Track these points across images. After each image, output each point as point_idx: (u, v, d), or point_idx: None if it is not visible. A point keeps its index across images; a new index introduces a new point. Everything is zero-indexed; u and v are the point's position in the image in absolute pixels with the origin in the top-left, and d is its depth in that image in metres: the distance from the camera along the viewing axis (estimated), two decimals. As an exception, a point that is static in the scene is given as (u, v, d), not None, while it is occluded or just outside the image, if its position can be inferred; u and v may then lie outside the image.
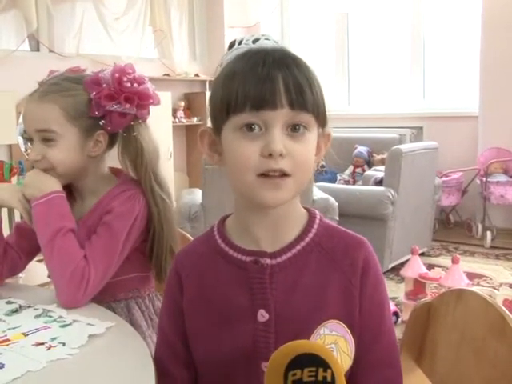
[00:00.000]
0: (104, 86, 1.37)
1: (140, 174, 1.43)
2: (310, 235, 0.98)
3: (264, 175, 0.89)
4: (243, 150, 0.90)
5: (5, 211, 1.66)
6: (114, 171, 1.50)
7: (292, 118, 0.89)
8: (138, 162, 1.42)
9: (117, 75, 1.37)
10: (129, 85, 1.37)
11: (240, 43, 0.97)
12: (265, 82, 0.88)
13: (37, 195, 1.34)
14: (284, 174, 0.89)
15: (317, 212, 1.03)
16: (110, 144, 1.44)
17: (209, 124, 0.98)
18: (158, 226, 1.43)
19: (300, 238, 0.98)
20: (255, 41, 0.97)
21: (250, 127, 0.89)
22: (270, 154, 0.88)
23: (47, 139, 1.36)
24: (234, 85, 0.90)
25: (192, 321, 1.00)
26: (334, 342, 0.93)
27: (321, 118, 0.94)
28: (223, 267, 0.99)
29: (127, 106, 1.37)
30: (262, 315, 0.94)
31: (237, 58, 0.94)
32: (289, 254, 0.96)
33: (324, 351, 0.81)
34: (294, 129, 0.90)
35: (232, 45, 0.98)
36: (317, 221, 1.00)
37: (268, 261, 0.95)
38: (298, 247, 0.97)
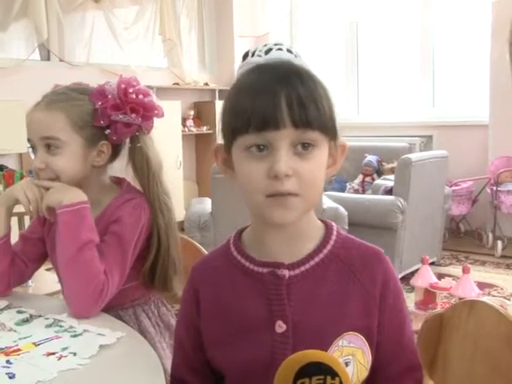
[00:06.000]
0: (109, 96, 1.39)
1: (146, 184, 1.44)
2: (328, 247, 0.98)
3: (272, 195, 0.89)
4: (250, 172, 0.90)
5: (14, 221, 1.65)
6: (115, 180, 1.51)
7: (298, 137, 0.89)
8: (144, 172, 1.44)
9: (123, 86, 1.40)
10: (134, 96, 1.40)
11: (253, 54, 0.96)
12: (267, 103, 0.87)
13: (64, 202, 1.32)
14: (291, 194, 0.89)
15: (333, 224, 1.03)
16: (114, 155, 1.46)
17: (219, 135, 0.98)
18: (163, 235, 1.44)
19: (318, 249, 0.98)
20: (268, 51, 0.96)
21: (255, 148, 0.89)
22: (276, 176, 0.87)
23: (51, 147, 1.37)
24: (238, 106, 0.90)
25: (210, 332, 1.00)
26: (352, 353, 0.93)
27: (330, 132, 0.93)
28: (240, 280, 0.99)
29: (133, 115, 1.39)
30: (280, 326, 0.94)
31: (243, 75, 0.94)
32: (307, 266, 0.96)
33: (331, 360, 0.81)
34: (301, 147, 0.89)
35: (246, 55, 0.98)
36: (334, 232, 1.00)
37: (285, 272, 0.95)
38: (317, 259, 0.97)
